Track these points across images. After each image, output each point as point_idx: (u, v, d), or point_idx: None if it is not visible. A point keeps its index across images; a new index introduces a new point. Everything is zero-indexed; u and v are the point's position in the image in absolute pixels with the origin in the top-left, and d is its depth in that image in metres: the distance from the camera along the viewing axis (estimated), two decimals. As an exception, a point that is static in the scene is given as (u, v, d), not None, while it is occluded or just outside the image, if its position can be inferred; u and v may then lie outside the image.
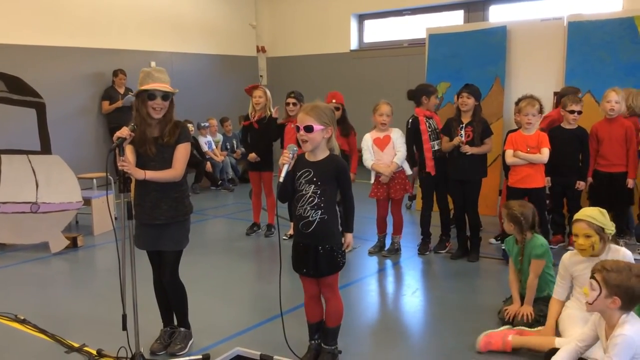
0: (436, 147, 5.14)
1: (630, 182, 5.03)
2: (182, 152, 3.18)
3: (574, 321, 3.23)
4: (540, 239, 3.70)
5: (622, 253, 3.17)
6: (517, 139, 4.77)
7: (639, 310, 2.84)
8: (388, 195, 5.15)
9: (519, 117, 5.01)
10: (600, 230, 3.12)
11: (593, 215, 3.14)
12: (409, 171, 5.18)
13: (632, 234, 5.32)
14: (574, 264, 3.29)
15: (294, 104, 5.64)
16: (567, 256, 3.35)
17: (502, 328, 3.41)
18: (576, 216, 3.21)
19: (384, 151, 5.09)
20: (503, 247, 4.95)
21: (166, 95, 3.10)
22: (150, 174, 3.08)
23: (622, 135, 5.01)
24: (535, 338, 3.31)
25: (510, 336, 3.30)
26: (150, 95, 3.09)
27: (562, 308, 3.36)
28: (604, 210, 3.18)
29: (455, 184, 5.08)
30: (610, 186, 5.09)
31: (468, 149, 4.85)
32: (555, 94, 6.12)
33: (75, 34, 8.75)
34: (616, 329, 2.66)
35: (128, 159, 3.00)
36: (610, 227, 3.14)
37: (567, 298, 3.39)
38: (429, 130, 5.14)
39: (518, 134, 4.82)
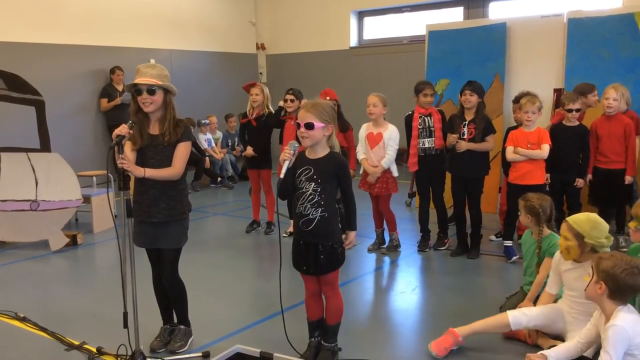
0: (426, 145, 5.12)
1: (628, 179, 5.01)
2: (182, 151, 3.18)
3: (547, 307, 3.31)
4: (558, 238, 3.68)
5: None
6: (517, 136, 4.77)
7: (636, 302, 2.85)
8: (374, 190, 5.14)
9: (519, 114, 5.00)
10: (578, 237, 3.09)
11: (577, 220, 3.12)
12: (395, 173, 5.09)
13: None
14: (561, 263, 3.31)
15: (292, 101, 5.64)
16: (557, 253, 3.36)
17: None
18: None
19: (373, 149, 5.05)
20: (506, 244, 4.95)
21: (151, 90, 3.08)
22: (150, 172, 3.07)
23: (621, 132, 5.01)
24: (484, 321, 3.34)
25: (455, 329, 3.31)
26: (136, 90, 3.10)
27: (551, 301, 3.38)
28: (598, 221, 3.10)
29: (457, 181, 5.07)
30: (609, 183, 5.09)
31: (463, 146, 4.84)
32: (555, 90, 6.11)
33: (74, 32, 8.74)
34: (609, 321, 2.67)
35: (127, 157, 3.00)
36: (594, 239, 3.05)
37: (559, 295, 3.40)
38: (420, 127, 5.13)
39: (519, 131, 4.82)
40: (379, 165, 5.01)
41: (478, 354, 3.30)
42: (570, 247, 3.11)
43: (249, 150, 5.89)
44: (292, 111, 5.60)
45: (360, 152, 5.15)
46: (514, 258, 4.85)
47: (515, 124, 5.36)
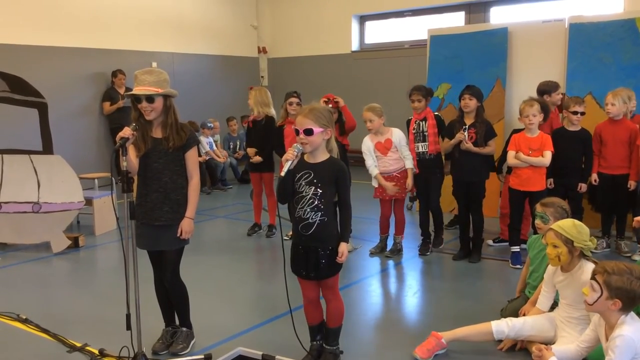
0: (420, 150, 5.13)
1: (632, 184, 4.97)
2: (194, 159, 3.27)
3: (533, 317, 3.33)
4: None
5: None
6: (520, 141, 4.76)
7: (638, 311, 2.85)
8: (392, 195, 5.15)
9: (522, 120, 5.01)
10: (568, 242, 3.10)
11: (564, 226, 3.13)
12: (415, 169, 5.13)
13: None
14: (555, 275, 3.30)
15: (298, 104, 5.59)
16: (551, 267, 3.34)
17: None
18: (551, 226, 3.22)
19: (387, 155, 5.07)
20: (514, 250, 4.93)
21: (150, 98, 3.09)
22: (191, 211, 3.23)
23: (626, 137, 4.98)
24: (468, 328, 3.37)
25: (439, 333, 3.33)
26: (136, 98, 3.12)
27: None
28: (580, 224, 3.14)
29: (459, 185, 5.08)
30: (611, 189, 5.07)
31: (469, 147, 4.84)
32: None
33: (77, 34, 8.77)
34: (615, 330, 2.67)
35: (131, 160, 3.01)
36: (582, 242, 3.08)
37: (551, 309, 3.39)
38: (414, 132, 5.16)
39: (522, 135, 4.80)
40: (408, 170, 5.04)
41: (465, 356, 3.31)
42: (561, 253, 3.12)
43: (256, 157, 5.91)
44: (293, 115, 5.61)
45: (372, 167, 5.10)
46: (519, 266, 4.76)
47: (522, 127, 5.36)
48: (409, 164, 5.06)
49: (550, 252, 3.16)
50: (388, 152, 5.07)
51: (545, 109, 4.84)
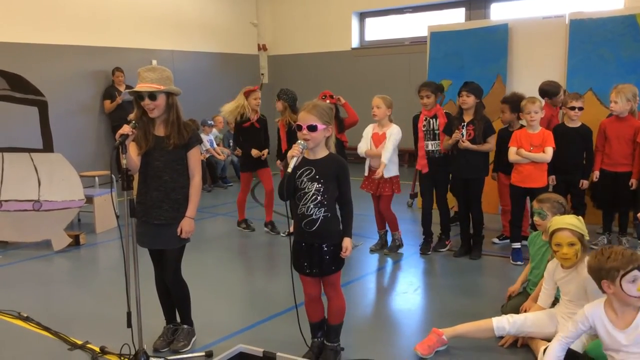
0: (430, 148, 5.12)
1: (634, 183, 4.94)
2: (196, 158, 3.26)
3: (534, 314, 3.32)
4: None
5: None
6: (521, 137, 4.75)
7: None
8: (377, 190, 5.13)
9: (506, 116, 5.03)
10: (581, 237, 3.12)
11: (574, 223, 3.14)
12: (394, 172, 5.05)
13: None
14: (556, 272, 3.29)
15: (283, 105, 5.79)
16: (552, 263, 3.34)
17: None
18: (556, 225, 3.18)
19: (378, 148, 5.07)
20: (514, 247, 4.92)
21: (153, 95, 3.09)
22: (192, 210, 3.22)
23: (631, 134, 4.95)
24: (469, 324, 3.37)
25: (439, 329, 3.34)
26: (138, 96, 3.12)
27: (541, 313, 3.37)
28: (580, 217, 3.20)
29: (458, 182, 5.08)
30: (614, 186, 5.06)
31: (467, 145, 4.83)
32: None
33: (77, 32, 8.77)
34: None
35: (131, 156, 3.01)
36: (586, 235, 3.16)
37: (552, 305, 3.38)
38: (424, 129, 5.14)
39: (523, 131, 4.79)
40: (381, 163, 4.96)
41: (466, 352, 3.31)
42: (578, 250, 3.13)
43: (257, 152, 5.91)
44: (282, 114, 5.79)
45: (363, 147, 5.13)
46: (520, 263, 4.78)
47: (504, 126, 5.38)
48: (384, 157, 4.94)
49: (568, 251, 3.11)
50: (380, 145, 5.04)
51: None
